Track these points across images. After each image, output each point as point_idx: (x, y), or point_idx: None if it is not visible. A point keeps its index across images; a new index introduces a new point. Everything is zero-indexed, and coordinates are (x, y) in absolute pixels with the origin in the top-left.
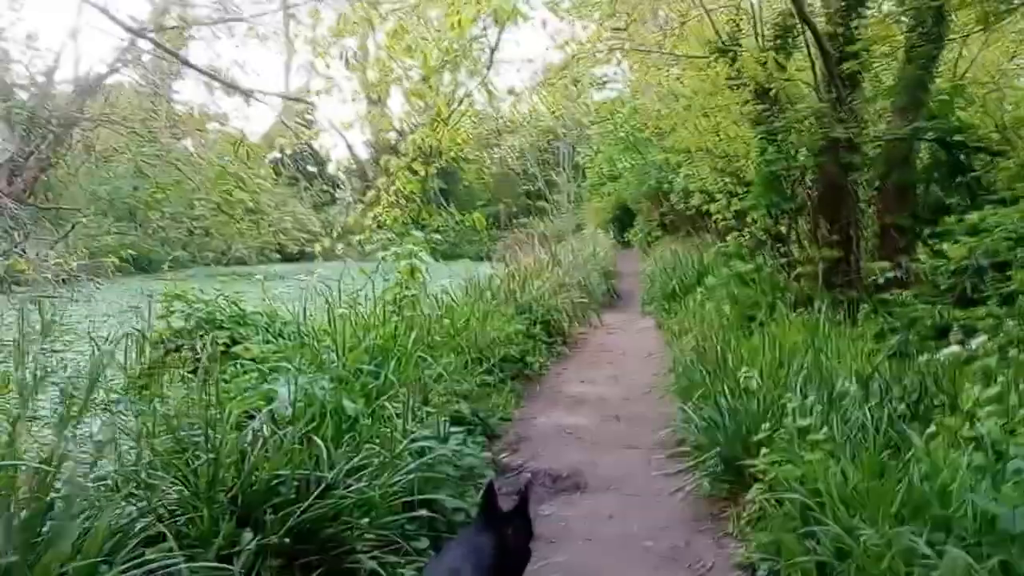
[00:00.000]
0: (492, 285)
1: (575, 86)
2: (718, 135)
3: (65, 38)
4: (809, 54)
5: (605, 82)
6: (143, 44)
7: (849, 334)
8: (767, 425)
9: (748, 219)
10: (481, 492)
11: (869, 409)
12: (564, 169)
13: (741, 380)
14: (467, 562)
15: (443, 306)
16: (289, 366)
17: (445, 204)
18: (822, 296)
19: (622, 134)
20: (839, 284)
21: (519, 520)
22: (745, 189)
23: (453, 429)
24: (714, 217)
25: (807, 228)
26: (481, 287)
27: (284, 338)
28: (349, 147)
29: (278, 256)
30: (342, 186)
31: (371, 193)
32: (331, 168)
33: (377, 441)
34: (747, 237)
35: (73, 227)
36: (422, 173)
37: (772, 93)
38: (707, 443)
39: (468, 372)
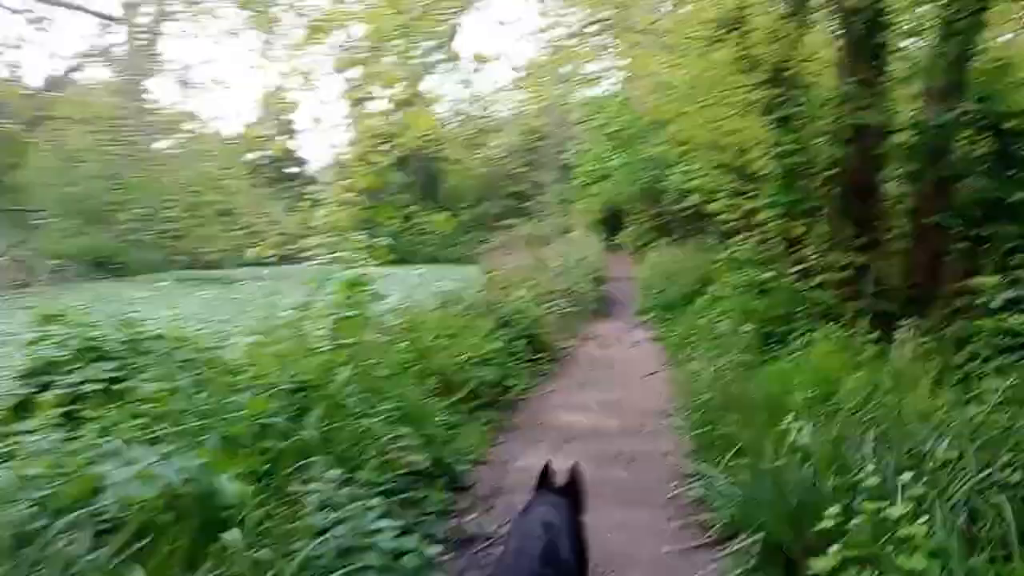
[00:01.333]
0: (470, 294)
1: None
2: (721, 127)
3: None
4: (830, 31)
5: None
6: (115, 39)
7: (904, 363)
8: (834, 509)
9: (757, 220)
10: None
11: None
12: (551, 169)
13: (789, 434)
14: (554, 512)
15: (408, 323)
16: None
17: (426, 202)
18: (854, 310)
19: (612, 130)
20: (870, 294)
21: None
22: (753, 186)
23: (410, 490)
24: (720, 218)
25: (828, 230)
26: (457, 298)
27: (190, 370)
28: (332, 147)
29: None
30: (323, 187)
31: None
32: (312, 169)
33: (268, 543)
34: (758, 240)
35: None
36: (381, 163)
37: (788, 75)
38: (741, 518)
39: (432, 405)
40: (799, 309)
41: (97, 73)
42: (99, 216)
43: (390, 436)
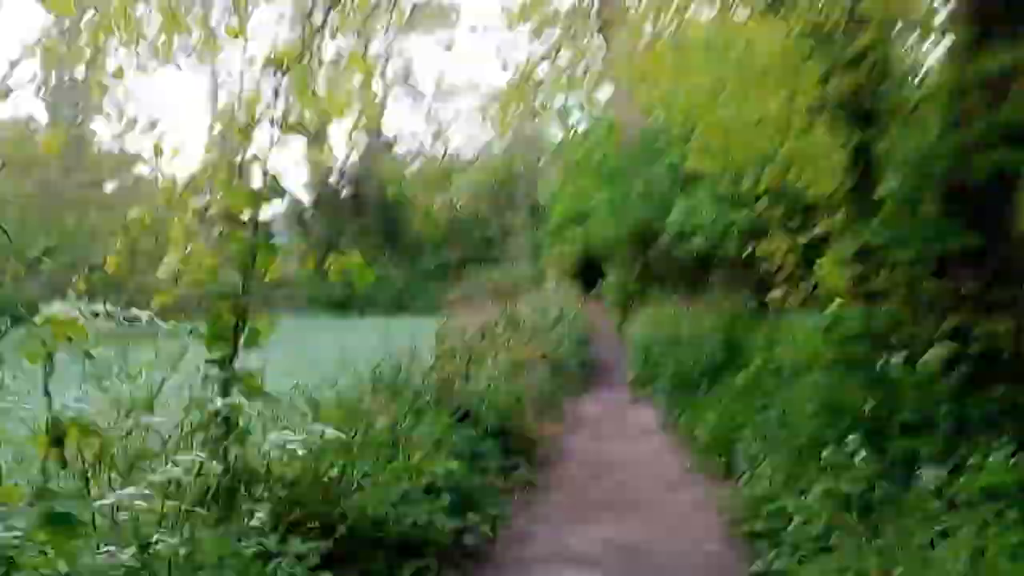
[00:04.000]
0: (417, 370)
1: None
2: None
3: None
4: None
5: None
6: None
7: None
8: None
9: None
10: None
11: None
12: (521, 211)
13: None
14: None
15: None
16: None
17: (386, 249)
18: None
19: (594, 161)
20: None
21: None
22: (804, 214)
23: None
24: (773, 263)
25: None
26: (396, 380)
27: None
28: (287, 191)
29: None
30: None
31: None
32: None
33: None
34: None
35: None
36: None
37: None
38: None
39: None
40: (949, 413)
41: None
42: (20, 264)
43: None
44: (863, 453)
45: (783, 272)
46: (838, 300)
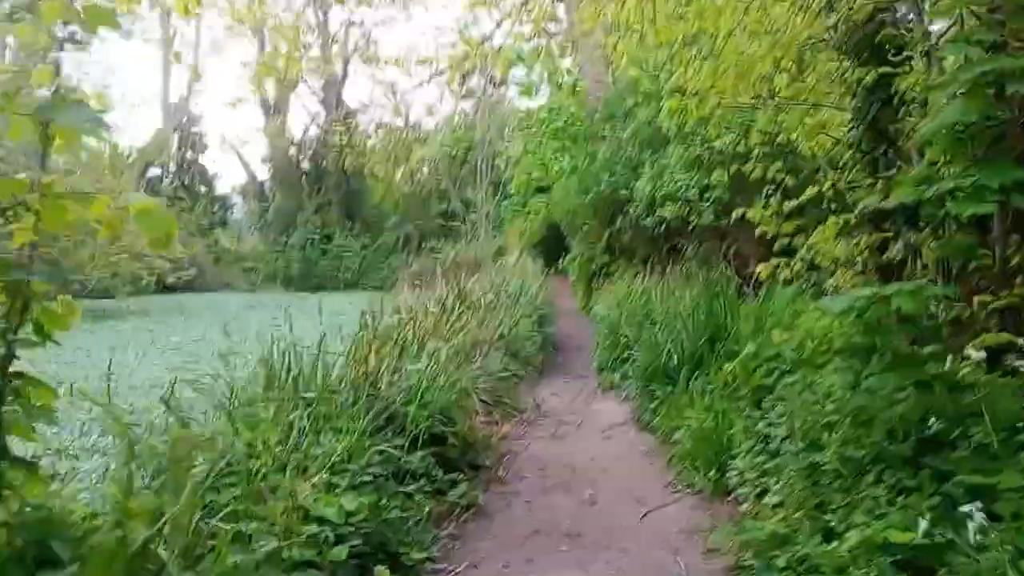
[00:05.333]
0: (328, 362)
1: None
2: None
3: None
4: None
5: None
6: None
7: None
8: None
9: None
10: None
11: None
12: (483, 184)
13: None
14: None
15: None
16: None
17: (346, 222)
18: None
19: (556, 125)
20: None
21: None
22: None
23: None
24: (763, 231)
25: None
26: (299, 373)
27: None
28: (244, 164)
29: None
30: (231, 206)
31: None
32: (224, 187)
33: None
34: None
35: None
36: None
37: None
38: None
39: None
40: None
41: None
42: None
43: None
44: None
45: (775, 242)
46: (844, 273)
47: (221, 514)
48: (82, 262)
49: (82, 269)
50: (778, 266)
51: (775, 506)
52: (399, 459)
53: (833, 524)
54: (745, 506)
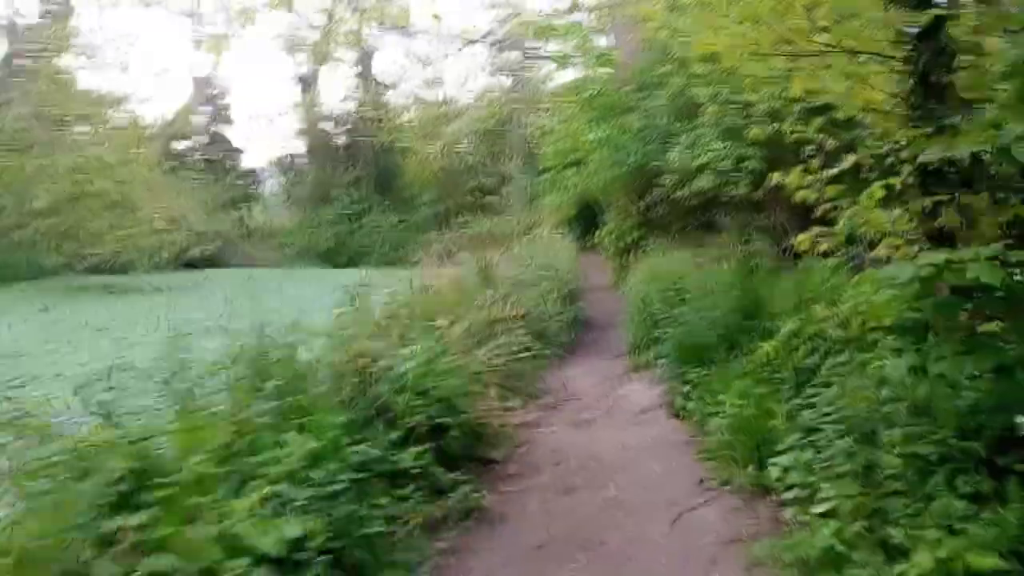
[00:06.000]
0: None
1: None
2: None
3: None
4: None
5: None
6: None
7: None
8: None
9: None
10: None
11: None
12: (516, 159)
13: None
14: None
15: None
16: None
17: (380, 198)
18: None
19: (588, 94)
20: None
21: None
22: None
23: None
24: (802, 196)
25: None
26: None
27: None
28: (278, 138)
29: (181, 263)
30: (262, 181)
31: None
32: (253, 161)
33: None
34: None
35: None
36: None
37: None
38: None
39: None
40: None
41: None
42: None
43: None
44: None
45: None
46: (895, 241)
47: (122, 545)
48: (96, 235)
49: (95, 243)
50: (818, 237)
51: (825, 514)
52: (385, 458)
53: (898, 539)
54: (790, 511)
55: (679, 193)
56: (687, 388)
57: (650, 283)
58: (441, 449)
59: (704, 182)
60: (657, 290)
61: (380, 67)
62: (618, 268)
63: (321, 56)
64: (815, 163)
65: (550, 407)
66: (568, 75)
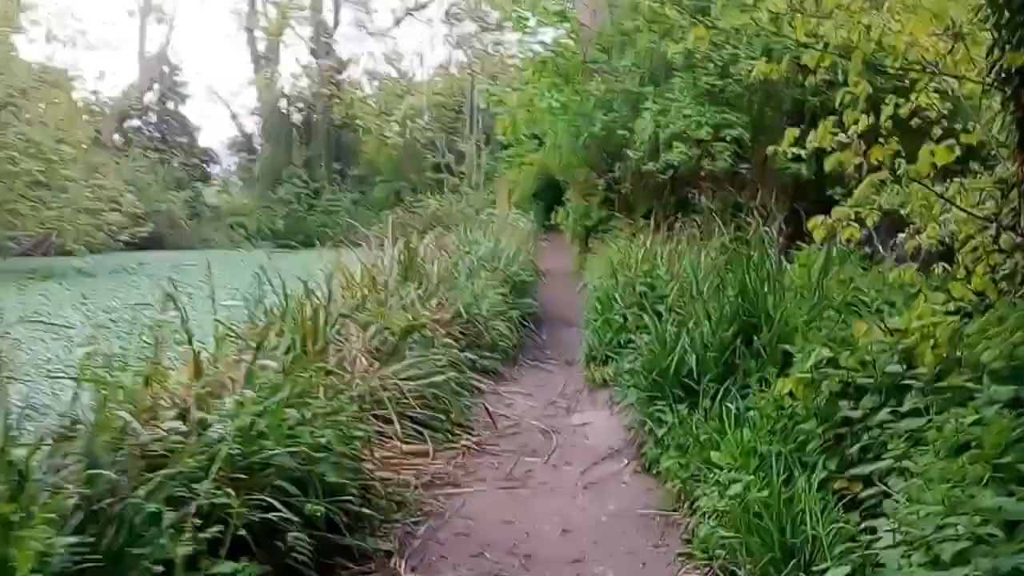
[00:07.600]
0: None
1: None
2: None
3: None
4: None
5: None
6: None
7: None
8: None
9: None
10: None
11: None
12: (475, 134)
13: None
14: None
15: None
16: None
17: (336, 177)
18: None
19: (548, 55)
20: None
21: None
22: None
23: None
24: (836, 160)
25: None
26: None
27: None
28: (233, 116)
29: (122, 244)
30: (215, 160)
31: None
32: (209, 140)
33: None
34: None
35: None
36: None
37: None
38: None
39: None
40: None
41: None
42: None
43: None
44: None
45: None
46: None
47: None
48: (17, 215)
49: (17, 224)
50: (841, 221)
51: None
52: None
53: None
54: None
55: (648, 167)
56: (662, 431)
57: (614, 275)
58: (281, 556)
59: (677, 154)
60: (623, 284)
61: (336, 43)
62: (580, 253)
63: (276, 31)
64: (854, 113)
65: (476, 449)
66: (525, 40)
